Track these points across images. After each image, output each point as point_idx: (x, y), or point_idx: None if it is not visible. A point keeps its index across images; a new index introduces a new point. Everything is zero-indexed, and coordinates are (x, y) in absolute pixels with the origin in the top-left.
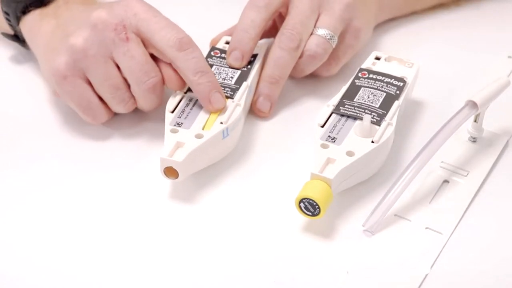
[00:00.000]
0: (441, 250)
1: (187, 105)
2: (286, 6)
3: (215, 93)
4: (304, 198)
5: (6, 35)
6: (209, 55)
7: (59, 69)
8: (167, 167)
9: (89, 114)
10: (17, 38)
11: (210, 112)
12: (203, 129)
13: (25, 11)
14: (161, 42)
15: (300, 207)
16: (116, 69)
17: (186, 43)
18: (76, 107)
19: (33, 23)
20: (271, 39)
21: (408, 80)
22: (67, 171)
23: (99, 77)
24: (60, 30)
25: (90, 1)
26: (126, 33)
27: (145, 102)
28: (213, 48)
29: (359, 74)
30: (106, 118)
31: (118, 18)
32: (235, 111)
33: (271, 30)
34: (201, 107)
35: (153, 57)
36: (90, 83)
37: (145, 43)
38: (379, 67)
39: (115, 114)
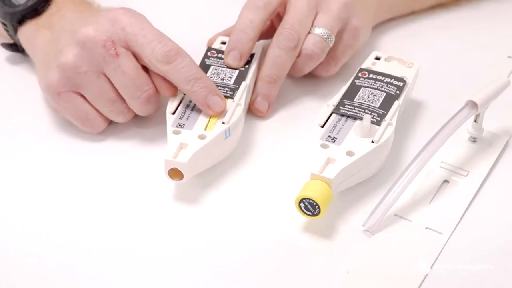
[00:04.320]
0: (441, 250)
1: (187, 106)
2: (284, 5)
3: (212, 97)
4: (304, 198)
5: (6, 45)
6: (205, 56)
7: (52, 85)
8: (172, 168)
9: (87, 126)
10: (17, 47)
11: None
12: (205, 129)
13: (21, 22)
14: (149, 57)
15: (300, 207)
16: (109, 83)
17: (173, 55)
18: (74, 120)
19: (30, 34)
20: (268, 40)
21: (408, 80)
22: (69, 173)
23: (93, 92)
24: (53, 45)
25: (83, 5)
26: (115, 49)
27: (142, 112)
28: (209, 49)
29: (359, 74)
30: (104, 127)
31: (106, 34)
32: (236, 111)
33: (269, 31)
34: None
35: (146, 66)
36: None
37: (135, 55)
38: (379, 67)
39: None
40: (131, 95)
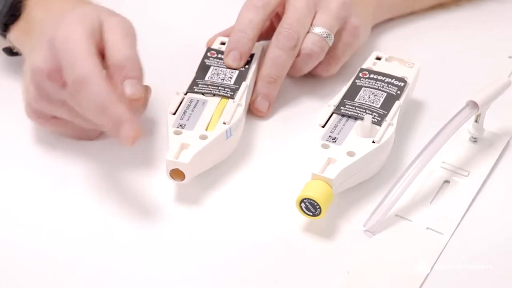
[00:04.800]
0: (442, 250)
1: (188, 106)
2: (283, 5)
3: (122, 128)
4: (305, 198)
5: (6, 50)
6: (205, 56)
7: (31, 116)
8: (174, 169)
9: (84, 137)
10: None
11: (213, 112)
12: (206, 129)
13: (5, 29)
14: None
15: (301, 207)
16: (75, 107)
17: (78, 84)
18: (69, 137)
19: (16, 43)
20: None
21: (409, 80)
22: (70, 175)
23: (68, 117)
24: (24, 65)
25: (51, 7)
26: (61, 78)
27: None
28: (209, 49)
29: (360, 74)
30: (99, 133)
31: (51, 61)
32: (237, 111)
33: (269, 31)
34: (202, 107)
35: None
36: None
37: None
38: (380, 67)
39: None
40: (97, 122)
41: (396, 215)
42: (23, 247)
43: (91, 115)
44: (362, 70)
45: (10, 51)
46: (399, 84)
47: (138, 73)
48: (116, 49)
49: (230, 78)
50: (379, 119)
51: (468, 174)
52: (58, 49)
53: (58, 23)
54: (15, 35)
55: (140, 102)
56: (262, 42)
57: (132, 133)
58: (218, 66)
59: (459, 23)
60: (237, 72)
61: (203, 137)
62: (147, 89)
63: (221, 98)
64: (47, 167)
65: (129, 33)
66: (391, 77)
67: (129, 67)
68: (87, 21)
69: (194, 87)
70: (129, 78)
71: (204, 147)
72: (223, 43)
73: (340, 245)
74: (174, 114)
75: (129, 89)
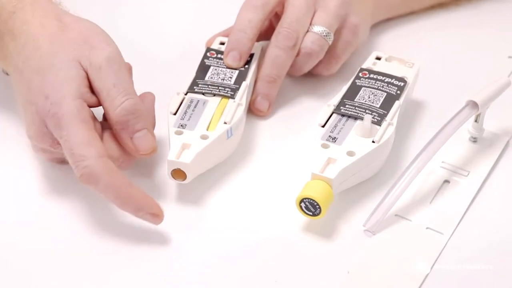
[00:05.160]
0: (442, 250)
1: (188, 106)
2: (282, 5)
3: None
4: (305, 198)
5: (3, 71)
6: (205, 56)
7: (36, 151)
8: (175, 169)
9: None
10: None
11: (213, 112)
12: (207, 129)
13: None
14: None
15: (300, 207)
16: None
17: (87, 177)
18: None
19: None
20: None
21: (409, 80)
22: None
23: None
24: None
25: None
26: (57, 143)
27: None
28: (208, 49)
29: (360, 74)
30: None
31: (46, 138)
32: (238, 110)
33: (268, 31)
34: (203, 107)
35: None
36: None
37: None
38: (380, 67)
39: None
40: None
41: (396, 215)
42: (20, 247)
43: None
44: (362, 70)
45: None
46: (399, 84)
47: (143, 122)
48: (111, 104)
49: (230, 78)
50: (379, 119)
51: (468, 174)
52: (52, 129)
53: (40, 82)
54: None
55: (154, 152)
56: (261, 42)
57: (156, 212)
58: (218, 66)
59: (459, 23)
60: (237, 72)
61: (204, 137)
62: (151, 100)
63: (222, 98)
64: (47, 167)
65: (116, 68)
66: (391, 77)
67: (131, 120)
68: (71, 79)
69: (195, 87)
70: (136, 132)
71: (205, 147)
72: (222, 43)
73: (340, 245)
74: (175, 114)
75: (142, 145)
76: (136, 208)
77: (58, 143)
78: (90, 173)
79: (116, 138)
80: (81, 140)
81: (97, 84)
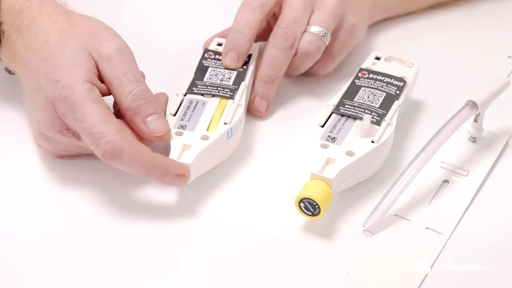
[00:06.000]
0: (441, 250)
1: (188, 107)
2: (279, 5)
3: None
4: (304, 198)
5: (6, 70)
6: (203, 57)
7: (42, 147)
8: None
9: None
10: None
11: (213, 113)
12: (207, 130)
13: None
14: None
15: (300, 207)
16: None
17: (109, 156)
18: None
19: (10, 67)
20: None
21: (408, 80)
22: (70, 174)
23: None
24: (28, 102)
25: (28, 32)
26: (72, 134)
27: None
28: (206, 51)
29: (359, 74)
30: None
31: (57, 123)
32: (237, 111)
33: (266, 32)
34: (202, 108)
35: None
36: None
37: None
38: (379, 67)
39: None
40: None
41: (395, 215)
42: (21, 247)
43: (135, 174)
44: (361, 70)
45: (10, 71)
46: (398, 84)
47: (154, 107)
48: (122, 92)
49: (229, 78)
50: (378, 119)
51: (467, 174)
52: (64, 113)
53: (50, 69)
54: (4, 60)
55: (168, 135)
56: (259, 43)
57: (182, 172)
58: (216, 67)
59: (458, 23)
60: (235, 72)
61: (205, 138)
62: (163, 101)
63: (221, 99)
64: (48, 170)
65: (127, 58)
66: (390, 77)
67: (143, 105)
68: (81, 66)
69: (193, 88)
70: (149, 116)
71: (206, 147)
72: (220, 44)
73: (339, 245)
74: (175, 115)
75: (155, 128)
76: (164, 173)
77: (67, 129)
78: (113, 147)
79: (129, 126)
80: (98, 118)
81: (108, 74)
